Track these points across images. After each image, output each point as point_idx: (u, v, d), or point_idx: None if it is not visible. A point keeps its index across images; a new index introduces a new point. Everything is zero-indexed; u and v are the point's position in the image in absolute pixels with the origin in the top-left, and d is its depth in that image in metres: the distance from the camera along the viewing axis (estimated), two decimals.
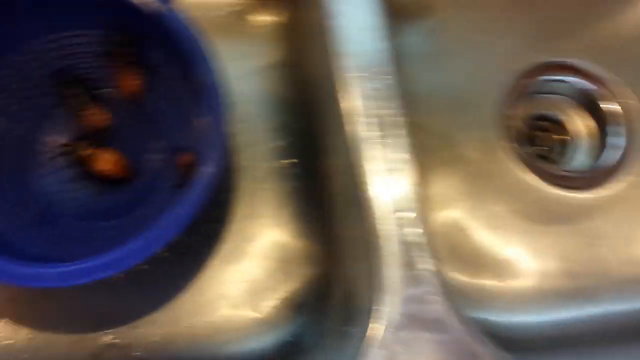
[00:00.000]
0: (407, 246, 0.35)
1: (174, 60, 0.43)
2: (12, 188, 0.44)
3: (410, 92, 0.46)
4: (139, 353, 0.43)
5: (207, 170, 0.38)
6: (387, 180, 0.36)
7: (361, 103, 0.36)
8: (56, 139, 0.47)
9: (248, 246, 0.46)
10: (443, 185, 0.47)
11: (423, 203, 0.36)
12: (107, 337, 0.43)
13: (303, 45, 0.47)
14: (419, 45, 0.51)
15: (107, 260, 0.36)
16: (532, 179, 0.48)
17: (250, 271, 0.45)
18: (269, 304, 0.45)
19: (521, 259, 0.46)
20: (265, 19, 0.51)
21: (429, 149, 0.47)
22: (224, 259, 0.46)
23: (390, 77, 0.36)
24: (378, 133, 0.36)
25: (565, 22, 0.52)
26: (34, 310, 0.44)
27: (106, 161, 0.45)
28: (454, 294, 0.36)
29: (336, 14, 0.36)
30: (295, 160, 0.48)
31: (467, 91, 0.50)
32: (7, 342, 0.43)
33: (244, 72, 0.49)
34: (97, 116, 0.46)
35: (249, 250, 0.46)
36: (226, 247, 0.46)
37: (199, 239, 0.46)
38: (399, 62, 0.37)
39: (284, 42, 0.50)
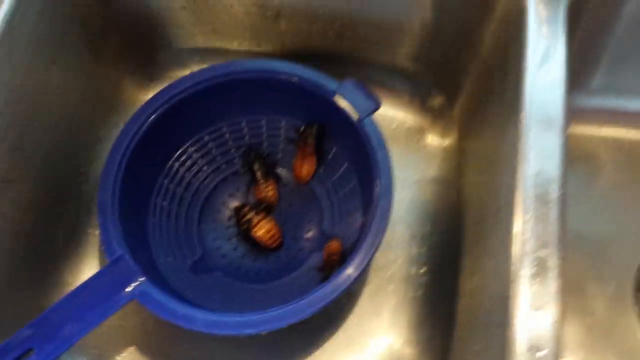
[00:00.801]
0: None
1: (352, 157, 0.49)
2: (182, 232, 0.51)
3: None
4: None
5: (349, 273, 0.40)
6: (529, 316, 0.37)
7: (521, 235, 0.37)
8: (229, 201, 0.53)
9: (362, 340, 0.48)
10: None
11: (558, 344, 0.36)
12: None
13: (467, 167, 0.50)
14: (574, 188, 0.52)
15: (257, 318, 0.39)
16: None
17: None
18: None
19: None
20: (436, 139, 0.55)
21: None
22: (338, 345, 0.48)
23: (557, 220, 0.37)
24: (532, 270, 0.37)
25: None
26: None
27: (265, 230, 0.50)
28: None
29: (521, 147, 0.38)
30: (426, 269, 0.50)
31: (611, 241, 0.51)
32: None
33: (403, 178, 0.53)
34: (269, 191, 0.52)
35: (362, 344, 0.48)
36: (343, 334, 0.49)
37: (322, 318, 0.48)
38: None
39: (448, 161, 0.54)
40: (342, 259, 0.45)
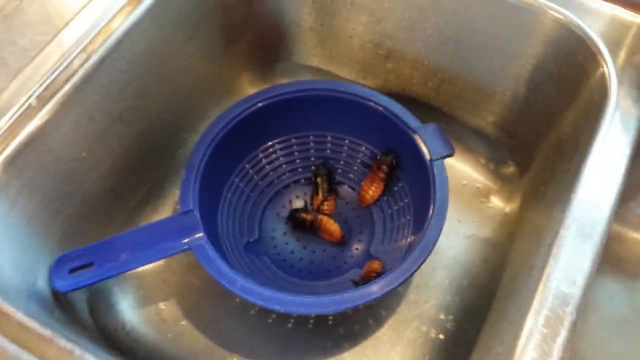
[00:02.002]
0: None
1: (415, 195, 0.53)
2: (247, 213, 0.56)
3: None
4: None
5: (375, 290, 0.43)
6: None
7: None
8: (295, 201, 0.58)
9: None
10: None
11: None
12: None
13: (518, 235, 0.52)
14: (611, 302, 0.53)
15: (286, 298, 0.43)
16: None
17: None
18: None
19: None
20: (500, 204, 0.58)
21: None
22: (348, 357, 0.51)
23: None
24: None
25: None
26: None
27: (330, 228, 0.55)
28: None
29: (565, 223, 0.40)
30: (453, 318, 0.52)
31: None
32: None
33: (458, 230, 0.57)
34: (325, 205, 0.57)
35: None
36: (358, 349, 0.52)
37: (344, 328, 0.52)
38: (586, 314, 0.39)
39: (504, 226, 0.56)
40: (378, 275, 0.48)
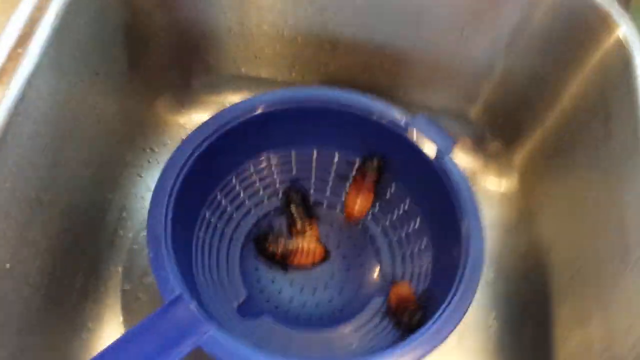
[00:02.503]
0: None
1: (418, 195, 0.46)
2: (224, 270, 0.45)
3: None
4: None
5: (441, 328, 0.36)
6: None
7: None
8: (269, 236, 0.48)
9: None
10: None
11: None
12: None
13: (542, 214, 0.48)
14: None
15: None
16: None
17: None
18: None
19: None
20: (492, 184, 0.54)
21: None
22: None
23: None
24: None
25: None
26: None
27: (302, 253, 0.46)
28: None
29: None
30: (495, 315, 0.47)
31: None
32: None
33: None
34: (310, 231, 0.48)
35: None
36: None
37: None
38: None
39: (507, 207, 0.52)
40: (418, 305, 0.41)
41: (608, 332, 0.35)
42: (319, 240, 0.48)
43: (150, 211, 0.38)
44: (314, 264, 0.47)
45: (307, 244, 0.46)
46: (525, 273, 0.47)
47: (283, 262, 0.46)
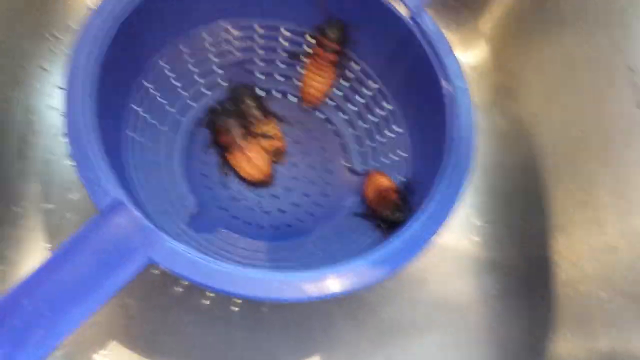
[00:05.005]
0: None
1: (388, 71, 0.39)
2: (167, 177, 0.38)
3: None
4: None
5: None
6: None
7: None
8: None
9: None
10: None
11: None
12: None
13: (526, 89, 0.43)
14: None
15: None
16: None
17: None
18: None
19: None
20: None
21: None
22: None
23: None
24: None
25: None
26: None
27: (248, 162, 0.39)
28: None
29: None
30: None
31: None
32: None
33: None
34: (271, 132, 0.41)
35: None
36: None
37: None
38: None
39: (482, 83, 0.47)
40: (400, 197, 0.36)
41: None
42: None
43: (67, 103, 0.30)
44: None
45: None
46: (507, 160, 0.42)
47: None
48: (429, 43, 0.35)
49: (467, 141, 0.33)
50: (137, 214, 0.27)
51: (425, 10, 0.35)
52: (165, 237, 0.27)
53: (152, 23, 0.35)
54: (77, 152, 0.28)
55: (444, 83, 0.34)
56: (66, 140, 0.28)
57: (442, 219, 0.30)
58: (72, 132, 0.29)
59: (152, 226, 0.27)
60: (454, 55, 0.34)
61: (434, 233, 0.30)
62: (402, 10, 0.35)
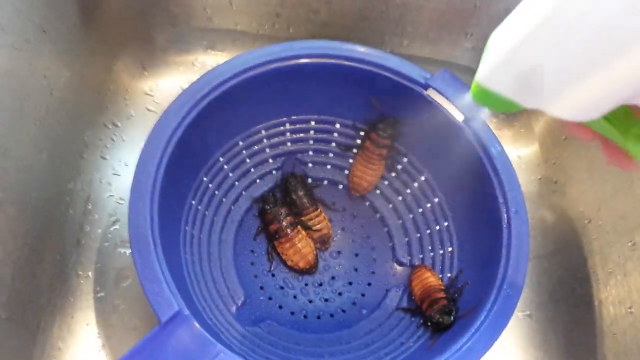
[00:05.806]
0: None
1: (437, 166, 0.40)
2: (221, 272, 0.38)
3: None
4: None
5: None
6: None
7: None
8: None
9: None
10: None
11: None
12: None
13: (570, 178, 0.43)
14: None
15: None
16: None
17: None
18: None
19: None
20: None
21: None
22: None
23: None
24: None
25: None
26: None
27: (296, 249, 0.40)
28: None
29: None
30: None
31: None
32: None
33: None
34: (318, 224, 0.41)
35: None
36: None
37: None
38: None
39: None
40: (449, 298, 0.35)
41: None
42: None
43: (131, 205, 0.30)
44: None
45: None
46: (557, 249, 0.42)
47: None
48: (485, 153, 0.35)
49: (522, 256, 0.33)
50: (198, 327, 0.28)
51: (480, 117, 0.35)
52: (227, 351, 0.27)
53: (218, 126, 0.36)
54: (140, 261, 0.29)
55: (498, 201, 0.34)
56: (130, 250, 0.29)
57: (495, 336, 0.30)
58: (135, 237, 0.30)
59: (212, 340, 0.28)
60: (510, 165, 0.35)
61: (487, 349, 0.30)
62: (457, 114, 0.36)
